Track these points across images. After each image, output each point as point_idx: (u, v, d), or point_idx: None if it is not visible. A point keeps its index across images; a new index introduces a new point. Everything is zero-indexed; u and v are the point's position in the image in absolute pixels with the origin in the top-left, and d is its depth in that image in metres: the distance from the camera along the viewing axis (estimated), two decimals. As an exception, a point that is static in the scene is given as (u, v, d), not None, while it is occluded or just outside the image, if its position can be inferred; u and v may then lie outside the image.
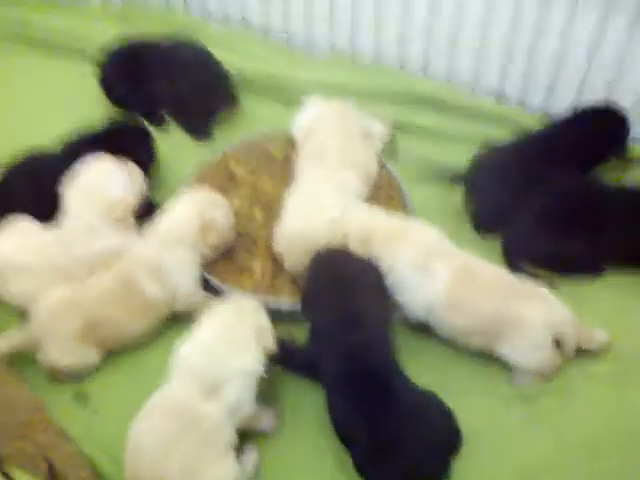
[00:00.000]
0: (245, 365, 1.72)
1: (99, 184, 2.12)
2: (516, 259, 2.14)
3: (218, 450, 1.66)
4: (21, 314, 2.04)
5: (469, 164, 2.34)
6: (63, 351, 1.91)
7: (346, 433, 1.73)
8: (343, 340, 1.74)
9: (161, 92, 2.75)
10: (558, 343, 1.88)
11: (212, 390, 1.68)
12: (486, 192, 2.29)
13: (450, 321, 1.91)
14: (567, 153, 2.28)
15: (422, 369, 1.85)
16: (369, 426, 1.67)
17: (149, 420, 1.67)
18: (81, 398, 1.93)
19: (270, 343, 1.79)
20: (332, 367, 1.75)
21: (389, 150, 2.55)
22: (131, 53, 2.80)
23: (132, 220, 2.16)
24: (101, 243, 2.08)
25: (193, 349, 1.75)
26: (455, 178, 2.37)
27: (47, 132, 2.47)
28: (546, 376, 1.90)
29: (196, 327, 1.80)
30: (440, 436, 1.74)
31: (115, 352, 2.01)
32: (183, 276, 2.02)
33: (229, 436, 1.69)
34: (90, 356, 1.96)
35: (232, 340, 1.75)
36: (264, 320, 1.83)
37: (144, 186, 2.23)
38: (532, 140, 2.37)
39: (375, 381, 1.71)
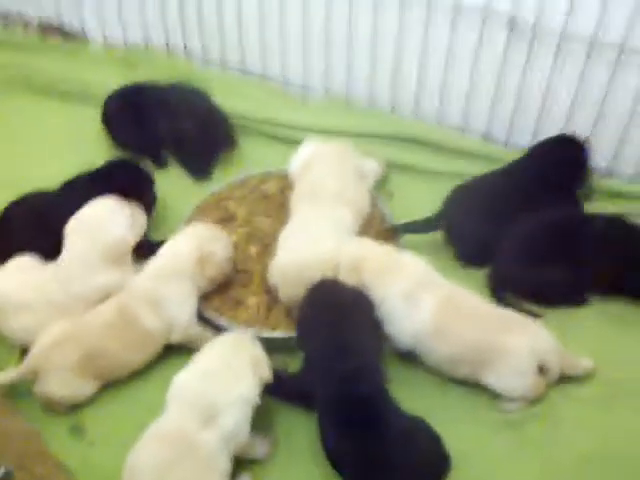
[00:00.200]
0: (242, 393, 1.76)
1: (99, 222, 2.16)
2: (500, 291, 2.19)
3: (214, 478, 1.69)
4: (22, 350, 2.08)
5: (444, 202, 2.39)
6: (60, 383, 1.94)
7: (337, 459, 1.76)
8: (335, 368, 1.79)
9: (163, 133, 2.84)
10: (542, 370, 1.92)
11: (209, 418, 1.72)
12: (463, 228, 2.35)
13: (436, 349, 1.96)
14: (538, 182, 2.35)
15: (411, 397, 1.89)
16: (359, 451, 1.71)
17: (146, 447, 1.71)
18: (77, 430, 1.96)
19: (266, 373, 1.84)
20: (324, 394, 1.79)
21: (382, 188, 2.63)
22: (133, 95, 2.90)
23: (130, 259, 2.21)
24: (99, 280, 2.13)
25: (190, 378, 1.80)
26: (432, 223, 2.40)
27: (48, 176, 2.51)
28: (530, 401, 1.94)
29: (194, 358, 1.85)
30: (429, 461, 1.77)
31: (112, 384, 2.05)
32: (181, 308, 2.06)
33: (225, 464, 1.72)
34: (87, 388, 2.00)
35: (229, 369, 1.79)
36: (259, 351, 1.88)
37: (145, 227, 2.28)
38: (503, 172, 2.45)
39: (365, 408, 1.75)
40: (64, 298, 2.11)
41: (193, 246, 2.11)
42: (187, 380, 1.80)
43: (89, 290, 2.13)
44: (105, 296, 2.12)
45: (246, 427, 1.78)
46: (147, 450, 1.70)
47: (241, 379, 1.79)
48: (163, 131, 2.85)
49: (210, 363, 1.82)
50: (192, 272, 2.09)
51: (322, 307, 1.92)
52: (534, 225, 2.26)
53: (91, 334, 2.00)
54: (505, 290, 2.18)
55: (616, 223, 2.27)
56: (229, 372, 1.79)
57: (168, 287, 2.06)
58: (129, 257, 2.22)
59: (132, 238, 2.21)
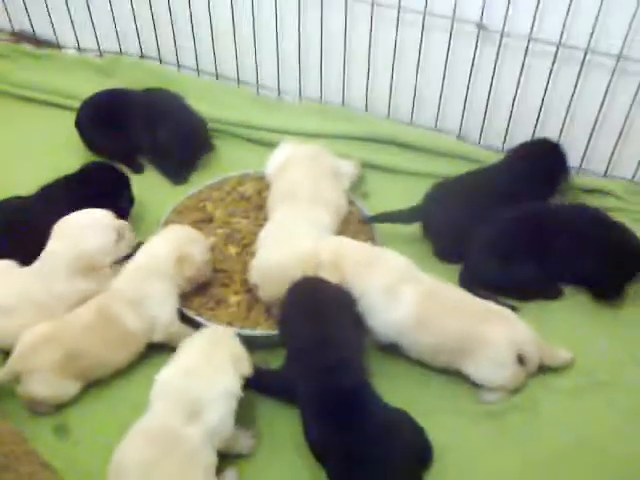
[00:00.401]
0: (225, 387, 1.78)
1: (81, 230, 2.16)
2: (471, 289, 2.20)
3: (200, 473, 1.70)
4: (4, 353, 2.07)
5: (423, 198, 2.44)
6: (43, 383, 1.94)
7: (320, 451, 1.78)
8: (317, 361, 1.81)
9: (138, 139, 2.84)
10: (521, 360, 1.97)
11: (193, 414, 1.73)
12: (441, 224, 2.39)
13: (418, 341, 1.99)
14: (519, 183, 2.40)
15: (392, 389, 1.92)
16: (341, 444, 1.72)
17: (132, 444, 1.71)
18: (62, 430, 1.96)
19: (247, 367, 1.86)
20: (306, 387, 1.81)
21: (357, 189, 2.68)
22: (107, 101, 2.89)
23: (108, 272, 2.19)
24: (74, 286, 2.14)
25: (172, 375, 1.81)
26: (408, 215, 2.45)
27: (23, 181, 2.51)
28: (510, 391, 1.98)
29: (175, 355, 1.87)
30: (411, 452, 1.79)
31: (95, 384, 2.05)
32: (162, 307, 2.08)
33: (210, 458, 1.73)
34: (70, 388, 1.99)
35: (209, 364, 1.81)
36: (239, 347, 1.90)
37: (133, 244, 2.26)
38: (484, 172, 2.51)
39: (348, 400, 1.77)
40: (47, 298, 2.11)
41: (172, 247, 2.13)
42: (169, 377, 1.81)
43: (69, 292, 2.13)
44: (85, 299, 2.11)
45: (230, 421, 1.79)
46: (133, 447, 1.70)
47: (222, 374, 1.80)
48: (139, 137, 2.85)
49: (191, 359, 1.83)
50: (171, 272, 2.11)
51: (304, 303, 1.94)
52: (501, 221, 2.30)
53: (72, 334, 1.99)
54: (475, 288, 2.19)
55: (583, 212, 2.31)
56: (210, 367, 1.80)
57: (148, 287, 2.07)
58: (106, 270, 2.20)
59: (110, 254, 2.19)
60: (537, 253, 2.23)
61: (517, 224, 2.29)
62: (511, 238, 2.27)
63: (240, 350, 1.89)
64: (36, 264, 2.17)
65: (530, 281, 2.25)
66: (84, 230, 2.16)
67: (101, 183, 2.44)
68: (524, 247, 2.24)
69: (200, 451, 1.71)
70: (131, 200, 2.52)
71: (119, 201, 2.45)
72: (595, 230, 2.25)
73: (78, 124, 2.90)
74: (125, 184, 2.52)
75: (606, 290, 2.25)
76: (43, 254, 2.17)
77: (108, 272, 2.20)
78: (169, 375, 1.81)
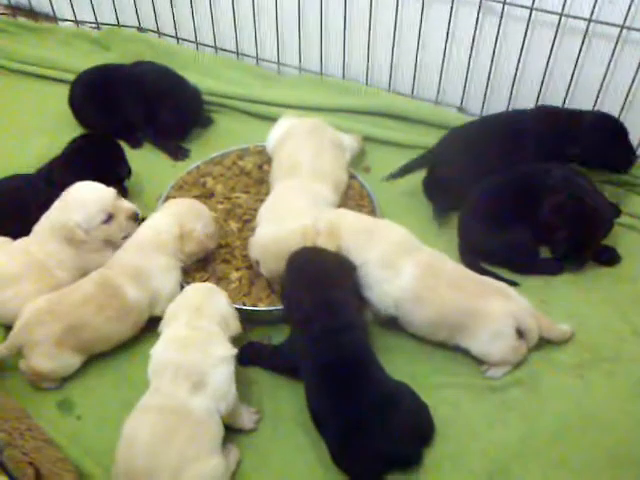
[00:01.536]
0: (220, 353, 1.79)
1: (69, 202, 2.15)
2: (470, 260, 2.21)
3: (209, 444, 1.71)
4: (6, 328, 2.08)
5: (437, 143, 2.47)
6: (45, 356, 1.95)
7: (322, 419, 1.79)
8: (322, 324, 1.82)
9: (133, 115, 2.81)
10: (521, 334, 1.97)
11: (197, 383, 1.73)
12: (446, 175, 2.41)
13: (417, 314, 1.99)
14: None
15: (395, 363, 1.92)
16: (343, 410, 1.74)
17: (142, 417, 1.72)
18: (65, 405, 1.97)
19: (236, 328, 1.90)
20: (309, 353, 1.82)
21: (359, 163, 2.66)
22: (101, 77, 2.86)
23: (100, 245, 2.20)
24: (70, 252, 2.15)
25: (167, 347, 1.82)
26: (420, 160, 2.49)
27: (24, 156, 2.52)
28: (512, 365, 1.98)
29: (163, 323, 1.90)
30: (412, 423, 1.79)
31: (97, 359, 2.05)
32: (164, 280, 2.08)
33: (217, 428, 1.74)
34: (72, 361, 2.00)
35: (201, 331, 1.82)
36: (225, 305, 1.92)
37: (131, 227, 2.21)
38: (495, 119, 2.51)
39: (350, 366, 1.78)
40: (45, 257, 2.12)
41: (174, 223, 2.13)
42: (164, 350, 1.81)
43: (62, 255, 2.14)
44: (83, 269, 2.14)
45: (233, 384, 1.80)
46: (143, 420, 1.71)
47: (214, 338, 1.82)
48: (133, 113, 2.82)
49: (180, 330, 1.84)
50: (173, 248, 2.11)
51: (304, 269, 1.94)
52: (490, 185, 2.29)
53: (73, 307, 1.99)
54: (473, 260, 2.20)
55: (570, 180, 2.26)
56: (201, 335, 1.82)
57: (150, 261, 2.07)
58: (92, 245, 2.18)
59: (93, 231, 2.15)
60: (527, 217, 2.21)
61: (509, 186, 2.26)
62: (501, 203, 2.24)
63: (226, 309, 1.91)
64: (35, 228, 2.19)
65: (524, 246, 2.24)
66: (72, 203, 2.15)
67: (95, 155, 2.43)
68: (514, 212, 2.22)
69: (207, 421, 1.72)
70: (128, 170, 2.50)
71: (117, 171, 2.45)
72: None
73: (71, 103, 2.87)
74: (119, 154, 2.50)
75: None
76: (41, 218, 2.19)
77: (99, 246, 2.19)
78: (164, 348, 1.82)
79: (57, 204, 2.16)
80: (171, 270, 2.12)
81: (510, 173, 2.29)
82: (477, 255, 2.25)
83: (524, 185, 2.25)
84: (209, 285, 2.01)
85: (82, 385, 2.02)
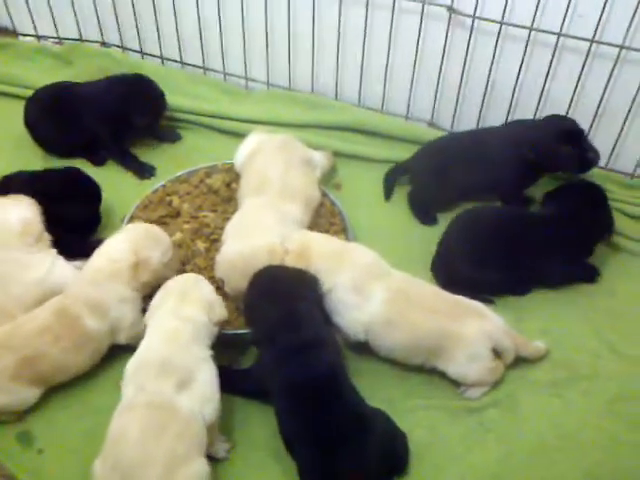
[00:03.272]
0: (200, 354, 1.77)
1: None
2: (445, 285, 2.15)
3: (198, 445, 1.66)
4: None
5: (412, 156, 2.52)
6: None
7: (293, 441, 1.72)
8: (285, 341, 1.76)
9: (101, 132, 2.73)
10: (497, 353, 1.94)
11: (182, 382, 1.69)
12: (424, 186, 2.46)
13: (388, 339, 1.94)
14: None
15: (367, 389, 1.83)
16: (312, 434, 1.67)
17: (131, 413, 1.66)
18: (25, 438, 1.88)
19: (221, 314, 1.88)
20: (275, 373, 1.76)
21: (330, 180, 2.62)
22: (52, 96, 2.76)
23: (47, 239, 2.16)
24: (32, 275, 2.08)
25: (153, 341, 1.79)
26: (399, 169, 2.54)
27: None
28: (490, 385, 1.95)
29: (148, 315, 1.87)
30: (387, 449, 1.73)
31: (58, 389, 1.97)
32: (123, 310, 1.99)
33: (203, 433, 1.68)
34: (29, 394, 1.91)
35: (188, 325, 1.80)
36: (209, 294, 1.90)
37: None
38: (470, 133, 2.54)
39: (319, 386, 1.72)
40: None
41: (129, 250, 2.02)
42: (147, 349, 1.78)
43: (27, 287, 2.08)
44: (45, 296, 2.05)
45: (217, 387, 1.76)
46: (131, 417, 1.65)
47: (196, 340, 1.79)
48: (101, 130, 2.73)
49: (165, 322, 1.81)
50: (128, 277, 2.00)
51: (267, 285, 1.90)
52: (477, 221, 2.26)
53: (27, 339, 1.90)
54: (448, 286, 2.13)
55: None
56: (187, 328, 1.79)
57: (106, 291, 1.98)
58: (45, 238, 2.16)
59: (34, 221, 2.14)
60: (510, 259, 2.18)
61: (492, 226, 2.23)
62: (486, 241, 2.19)
63: (212, 295, 1.90)
64: None
65: (503, 284, 2.21)
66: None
67: (71, 195, 2.33)
68: (498, 251, 2.18)
69: (194, 422, 1.67)
70: (98, 218, 2.43)
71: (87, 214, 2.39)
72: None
73: (26, 121, 2.77)
74: (96, 200, 2.42)
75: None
76: None
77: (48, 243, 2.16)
78: (148, 343, 1.79)
79: None
80: (130, 299, 2.01)
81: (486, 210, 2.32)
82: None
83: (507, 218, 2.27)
84: (194, 274, 1.98)
85: (43, 417, 1.92)
